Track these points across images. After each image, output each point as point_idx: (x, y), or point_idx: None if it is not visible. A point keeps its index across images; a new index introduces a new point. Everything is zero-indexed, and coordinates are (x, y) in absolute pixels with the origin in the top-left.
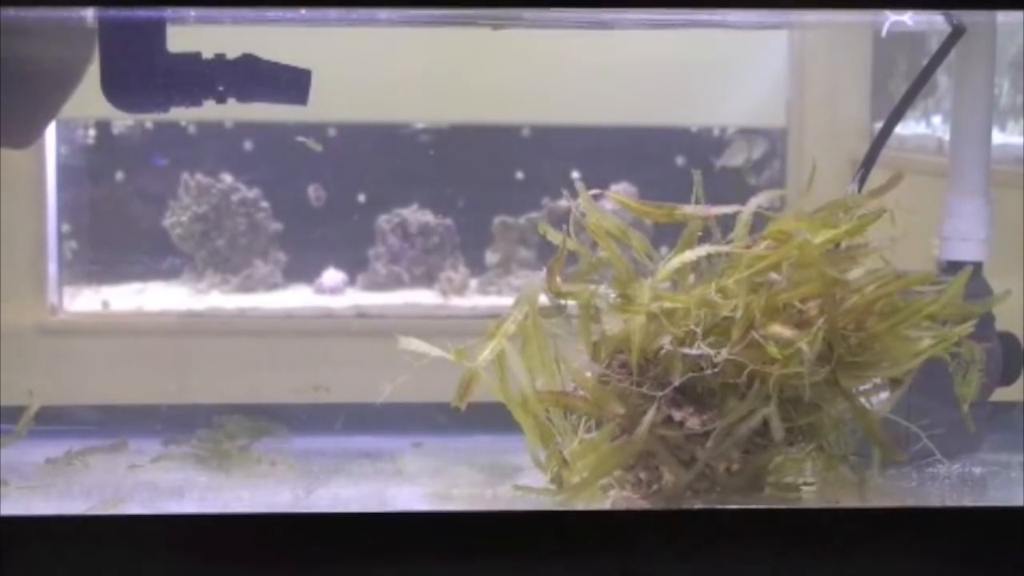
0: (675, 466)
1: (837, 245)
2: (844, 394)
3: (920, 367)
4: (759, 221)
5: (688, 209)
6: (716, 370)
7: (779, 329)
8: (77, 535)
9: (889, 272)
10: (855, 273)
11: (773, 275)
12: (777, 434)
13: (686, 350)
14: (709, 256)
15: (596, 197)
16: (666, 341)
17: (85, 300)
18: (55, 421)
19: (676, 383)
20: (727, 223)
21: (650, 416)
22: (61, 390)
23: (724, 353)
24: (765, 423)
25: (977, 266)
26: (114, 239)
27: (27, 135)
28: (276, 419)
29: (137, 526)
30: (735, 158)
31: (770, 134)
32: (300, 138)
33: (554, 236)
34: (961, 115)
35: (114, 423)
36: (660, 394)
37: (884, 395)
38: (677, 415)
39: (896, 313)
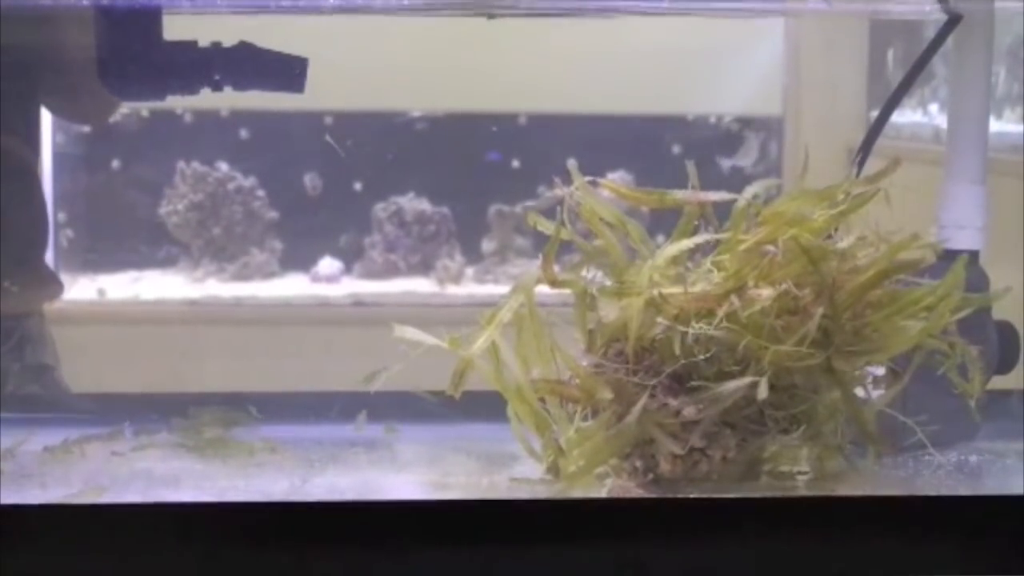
0: (670, 453)
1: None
2: (837, 381)
3: (918, 360)
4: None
5: (679, 194)
6: (710, 354)
7: (758, 292)
8: (72, 523)
9: (883, 254)
10: (844, 244)
11: (769, 247)
12: (762, 392)
13: (680, 327)
14: (706, 244)
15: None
16: (662, 329)
17: (81, 288)
18: (51, 409)
19: (670, 369)
20: (724, 214)
21: (641, 403)
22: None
23: (717, 321)
24: (761, 411)
25: (974, 255)
26: (110, 228)
27: (104, 112)
28: (272, 408)
29: (133, 514)
30: (747, 157)
31: (766, 122)
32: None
33: (544, 225)
34: (958, 103)
35: (111, 411)
36: (654, 382)
37: (881, 387)
38: (673, 403)
39: (894, 302)
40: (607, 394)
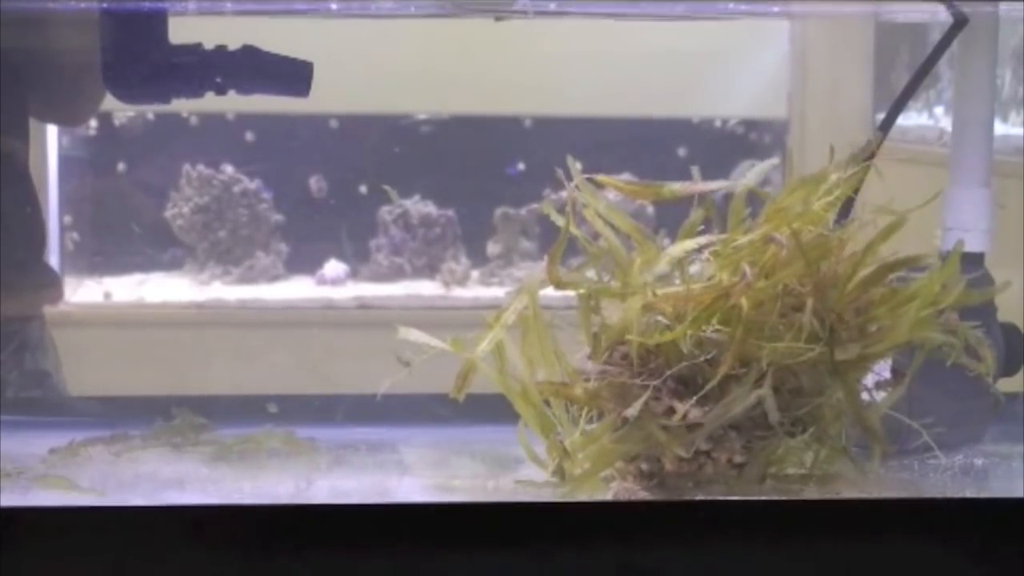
0: (675, 456)
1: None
2: (841, 381)
3: (920, 358)
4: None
5: (676, 187)
6: (711, 355)
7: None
8: (79, 526)
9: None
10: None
11: (776, 236)
12: (772, 415)
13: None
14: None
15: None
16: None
17: (87, 291)
18: (57, 412)
19: (670, 372)
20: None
21: (641, 401)
22: (66, 381)
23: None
24: (766, 413)
25: (979, 257)
26: (116, 230)
27: (79, 113)
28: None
29: (136, 516)
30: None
31: (772, 125)
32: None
33: (556, 217)
34: (963, 105)
35: (116, 414)
36: (655, 383)
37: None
38: (679, 406)
39: (894, 297)
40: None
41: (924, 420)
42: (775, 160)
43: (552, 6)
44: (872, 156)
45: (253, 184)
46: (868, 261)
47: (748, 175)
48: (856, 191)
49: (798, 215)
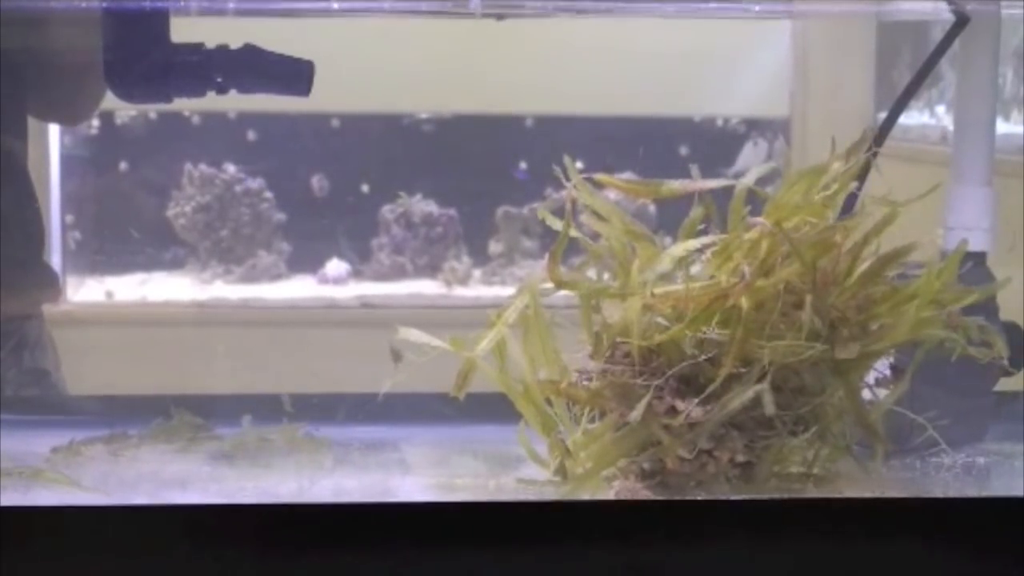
0: (677, 454)
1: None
2: (842, 379)
3: (920, 355)
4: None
5: (675, 185)
6: (711, 355)
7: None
8: (80, 526)
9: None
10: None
11: (758, 220)
12: (768, 408)
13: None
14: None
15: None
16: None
17: (89, 291)
18: (56, 411)
19: (672, 371)
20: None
21: (644, 402)
22: (65, 380)
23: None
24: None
25: (981, 256)
26: (118, 230)
27: (79, 112)
28: (277, 410)
29: (139, 516)
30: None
31: (773, 124)
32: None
33: (553, 221)
34: (964, 104)
35: (116, 413)
36: (657, 382)
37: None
38: (681, 405)
39: (895, 295)
40: (617, 400)
41: (926, 418)
42: (772, 163)
43: (551, 6)
44: (871, 148)
45: (255, 183)
46: (866, 254)
47: (747, 175)
48: (860, 188)
49: (798, 208)
